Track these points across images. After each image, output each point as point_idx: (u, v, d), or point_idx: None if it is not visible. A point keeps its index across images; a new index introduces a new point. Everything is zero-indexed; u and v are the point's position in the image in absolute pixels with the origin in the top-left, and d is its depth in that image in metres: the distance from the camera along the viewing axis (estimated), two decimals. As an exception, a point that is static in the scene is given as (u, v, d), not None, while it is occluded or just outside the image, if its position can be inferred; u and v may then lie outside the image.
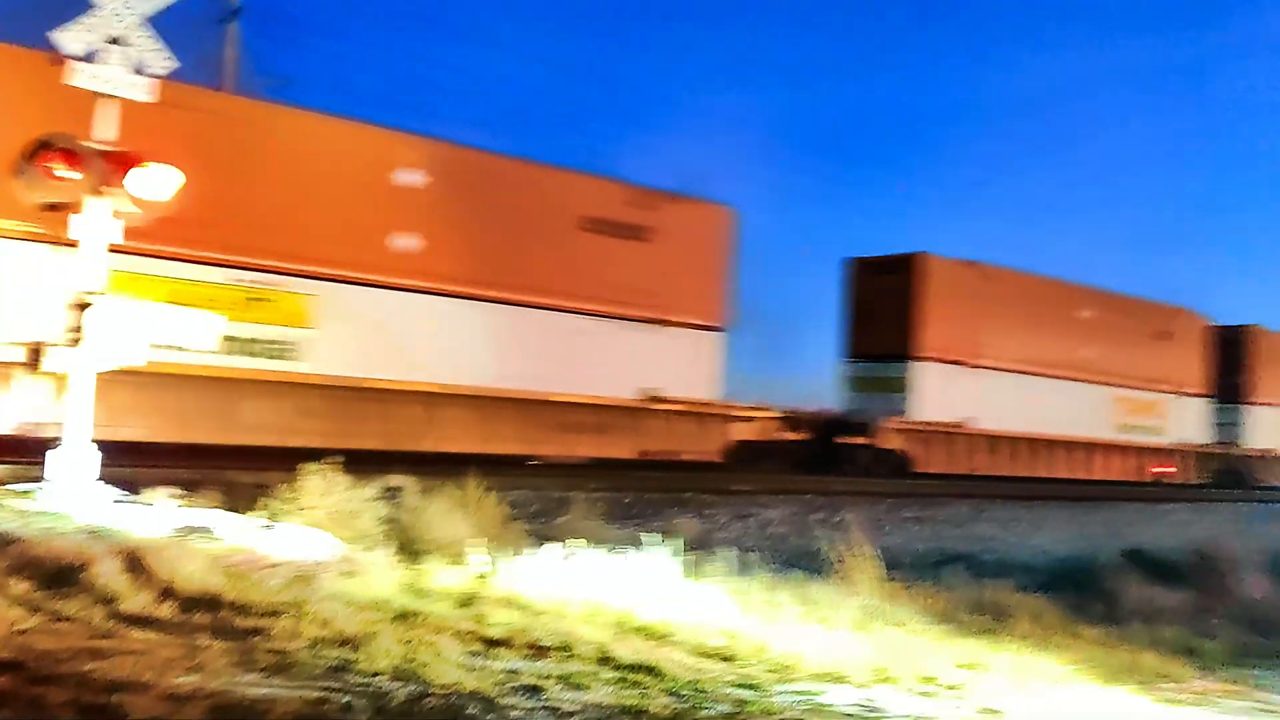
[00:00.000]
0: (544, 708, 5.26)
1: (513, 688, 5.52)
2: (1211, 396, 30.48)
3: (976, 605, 9.96)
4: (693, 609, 7.91)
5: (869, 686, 6.63)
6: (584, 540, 9.41)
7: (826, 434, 22.23)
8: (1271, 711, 7.27)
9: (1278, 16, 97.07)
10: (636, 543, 10.39)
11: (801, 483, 17.78)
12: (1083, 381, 26.29)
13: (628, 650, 6.50)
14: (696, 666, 6.49)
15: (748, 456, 20.28)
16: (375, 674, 5.43)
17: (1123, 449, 27.53)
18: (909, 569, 11.26)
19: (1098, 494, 20.98)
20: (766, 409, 21.12)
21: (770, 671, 6.65)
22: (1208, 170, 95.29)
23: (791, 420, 21.46)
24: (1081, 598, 11.47)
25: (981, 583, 10.79)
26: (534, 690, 5.52)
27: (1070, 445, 26.09)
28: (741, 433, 20.32)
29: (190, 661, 5.32)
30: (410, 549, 8.75)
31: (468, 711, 5.05)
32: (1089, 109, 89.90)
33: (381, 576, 7.47)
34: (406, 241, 16.63)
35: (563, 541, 9.28)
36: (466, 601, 7.26)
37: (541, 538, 10.14)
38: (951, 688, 6.89)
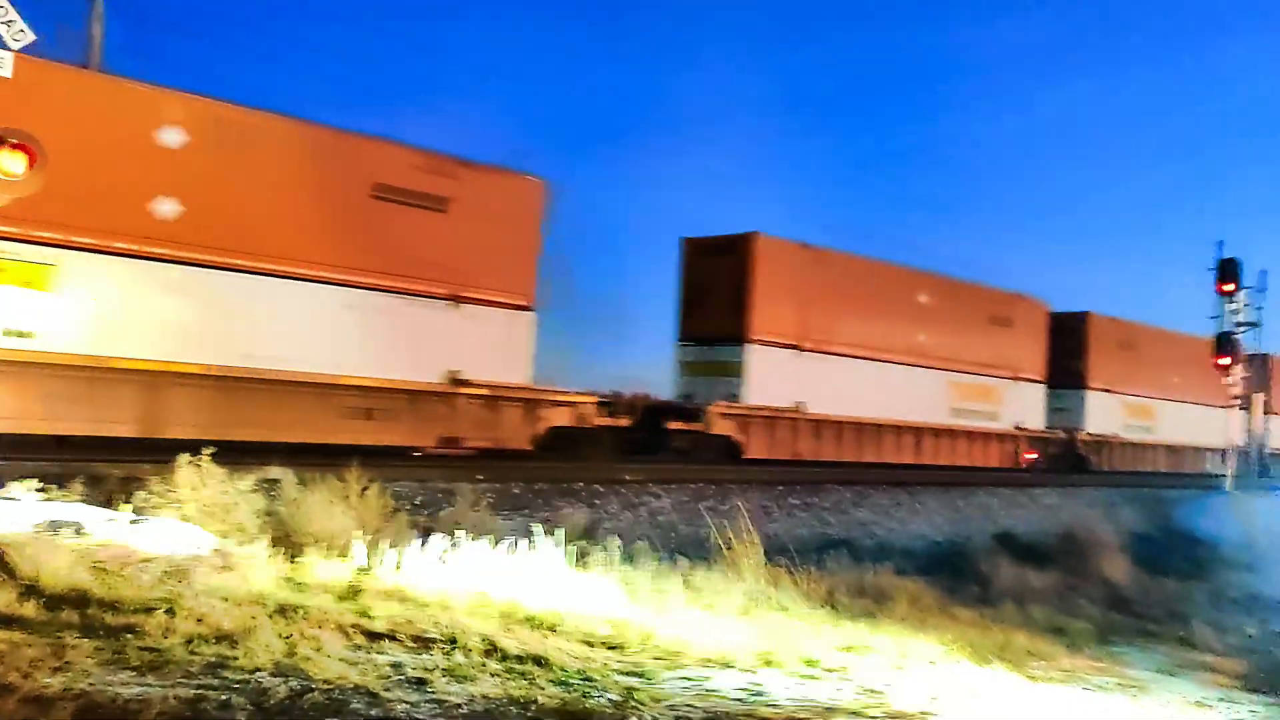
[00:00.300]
0: (430, 701, 5.18)
1: (398, 681, 5.43)
2: (1050, 382, 30.31)
3: (858, 589, 10.19)
4: (580, 599, 7.89)
5: (755, 671, 6.72)
6: (470, 532, 9.31)
7: (652, 419, 21.13)
8: (1135, 686, 7.60)
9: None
10: (524, 534, 10.36)
11: (692, 472, 17.87)
12: (918, 366, 25.95)
13: (515, 641, 6.45)
14: (585, 656, 6.47)
15: (564, 444, 19.19)
16: (255, 670, 5.28)
17: (957, 434, 27.18)
18: (794, 555, 11.44)
19: (973, 480, 21.56)
20: (584, 394, 19.98)
21: (658, 659, 6.68)
22: (1049, 160, 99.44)
23: (613, 405, 20.38)
24: (957, 580, 11.84)
25: (863, 567, 11.02)
26: (419, 683, 5.43)
27: (901, 430, 25.74)
28: (557, 419, 19.25)
29: (57, 661, 5.09)
30: (289, 543, 8.52)
31: (352, 706, 4.95)
32: (928, 94, 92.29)
33: (259, 571, 7.26)
34: (166, 207, 14.75)
35: (448, 533, 9.17)
36: (349, 595, 7.12)
37: (427, 530, 10.00)
38: (834, 670, 7.03)
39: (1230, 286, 22.51)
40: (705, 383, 22.80)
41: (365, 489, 10.54)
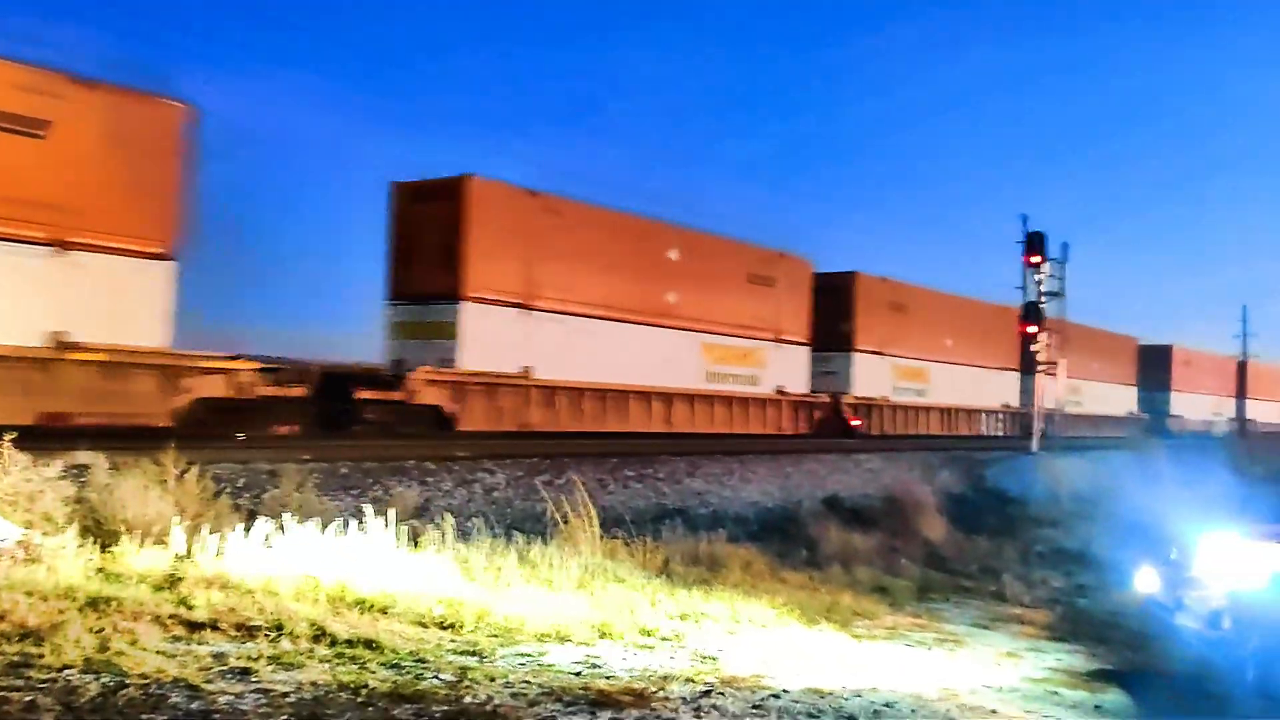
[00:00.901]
0: (255, 691, 4.99)
1: (220, 672, 5.20)
2: (816, 345, 28.59)
3: (693, 557, 10.33)
4: (414, 579, 7.74)
5: (591, 644, 6.74)
6: (297, 514, 9.01)
7: (338, 388, 18.32)
8: (952, 640, 7.98)
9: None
10: (354, 515, 10.11)
11: (527, 446, 17.79)
12: (667, 327, 23.78)
13: (344, 625, 6.28)
14: (417, 637, 6.36)
15: (219, 418, 16.47)
16: (63, 668, 4.97)
17: (713, 399, 25.20)
18: (630, 526, 11.53)
19: (802, 448, 22.13)
20: (241, 359, 16.99)
21: (493, 636, 6.62)
22: (815, 117, 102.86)
23: (279, 373, 17.43)
24: (787, 545, 12.16)
25: (697, 536, 11.17)
26: (243, 673, 5.23)
27: (650, 396, 23.50)
28: (206, 389, 16.47)
29: None
30: (102, 532, 8.05)
31: (170, 701, 4.72)
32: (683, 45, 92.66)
33: (68, 562, 6.84)
34: None
35: (273, 516, 8.86)
36: (167, 584, 6.78)
37: (250, 514, 9.64)
38: (669, 639, 7.12)
39: (1036, 258, 23.74)
40: (418, 346, 20.21)
41: (184, 473, 10.06)
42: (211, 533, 8.03)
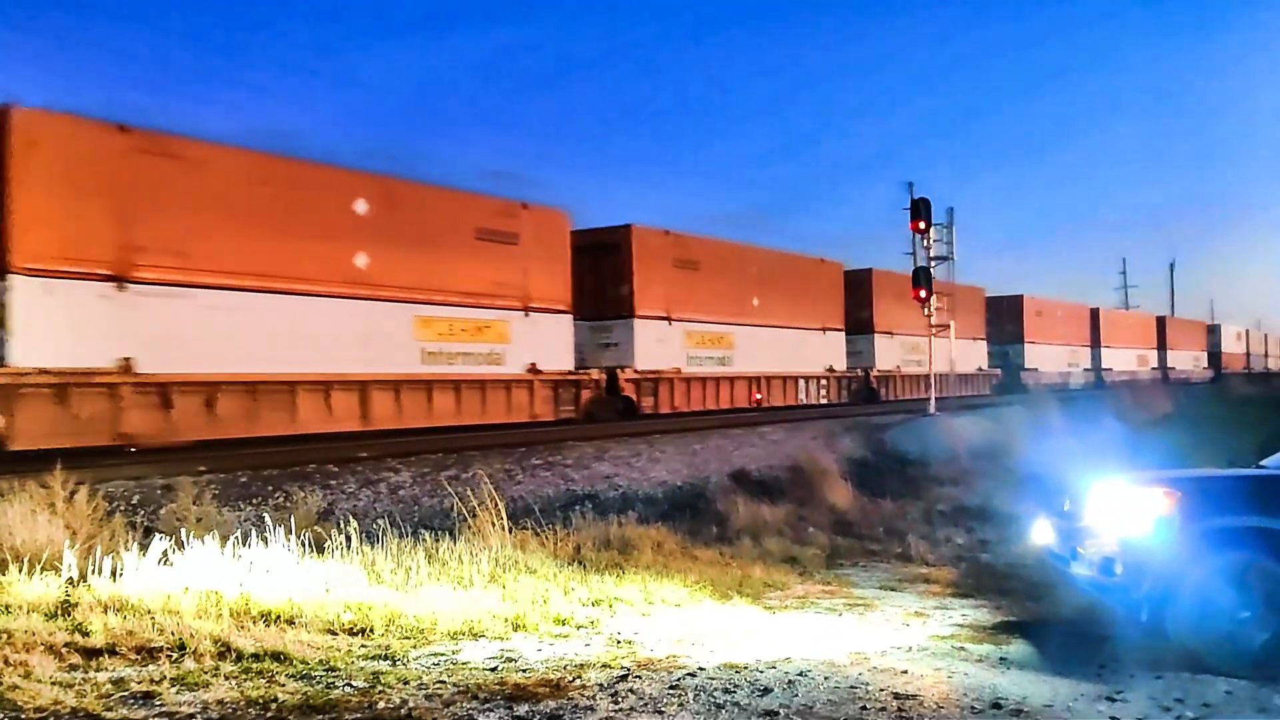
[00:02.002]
0: (159, 715, 4.85)
1: (121, 698, 5.04)
2: (585, 313, 24.97)
3: (604, 542, 10.33)
4: (320, 587, 7.60)
5: (506, 638, 6.70)
6: (194, 529, 8.77)
7: None
8: (862, 605, 8.12)
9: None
10: (254, 524, 9.88)
11: (429, 442, 17.60)
12: (355, 298, 19.17)
13: (249, 639, 6.14)
14: (327, 645, 6.25)
15: None
16: (-51, 709, 4.76)
17: (432, 384, 20.61)
18: (539, 515, 11.48)
19: (708, 424, 22.31)
20: None
21: (405, 639, 6.54)
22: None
23: None
24: (697, 522, 12.23)
25: (608, 520, 11.18)
26: (146, 698, 5.07)
27: (331, 386, 18.70)
28: None
29: None
30: (-14, 561, 7.73)
31: (68, 734, 4.56)
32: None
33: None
34: None
35: (171, 533, 8.61)
36: (60, 611, 6.54)
37: (147, 531, 9.37)
38: (583, 625, 7.12)
39: (923, 225, 24.27)
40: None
41: (73, 494, 9.72)
42: (106, 554, 7.78)
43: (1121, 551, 6.15)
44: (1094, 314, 58.65)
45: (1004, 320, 48.19)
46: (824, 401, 33.13)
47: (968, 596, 8.44)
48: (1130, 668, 5.96)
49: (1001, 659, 6.37)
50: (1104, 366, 56.32)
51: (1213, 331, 77.59)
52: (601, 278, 25.55)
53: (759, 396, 29.75)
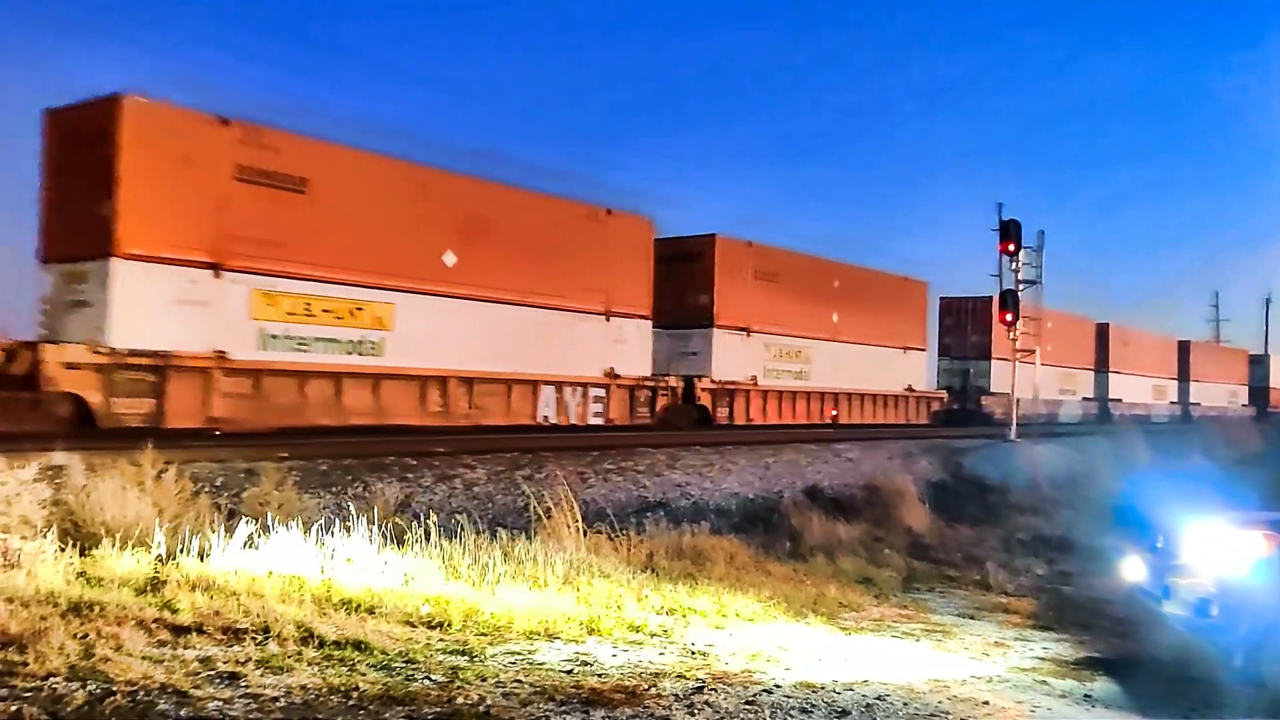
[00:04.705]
0: (244, 696, 4.92)
1: (207, 677, 5.13)
2: (665, 320, 24.68)
3: (677, 551, 10.30)
4: (399, 578, 7.70)
5: (581, 641, 6.71)
6: (278, 514, 8.94)
7: None
8: (939, 631, 7.98)
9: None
10: (335, 512, 10.04)
11: (506, 441, 17.72)
12: (441, 295, 19.64)
13: (331, 627, 6.22)
14: (406, 637, 6.30)
15: None
16: (48, 675, 4.89)
17: (518, 385, 21.06)
18: (612, 520, 11.50)
19: (782, 438, 22.14)
20: None
21: (482, 635, 6.57)
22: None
23: None
24: (770, 536, 12.14)
25: (680, 529, 11.15)
26: (232, 678, 5.16)
27: (420, 381, 19.30)
28: None
29: None
30: (81, 534, 7.95)
31: (159, 708, 4.65)
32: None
33: (48, 567, 6.74)
34: None
35: (255, 517, 8.78)
36: (150, 588, 6.69)
37: (231, 513, 9.54)
38: (657, 634, 7.10)
39: (1012, 247, 23.84)
40: None
41: (161, 473, 9.95)
42: (193, 534, 7.95)
43: (1218, 592, 5.96)
44: (1183, 347, 53.96)
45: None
46: (903, 421, 32.10)
47: (1048, 629, 8.26)
48: (1221, 712, 5.77)
49: (1086, 695, 6.22)
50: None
51: (1257, 362, 63.83)
52: (683, 286, 25.63)
53: (834, 412, 29.28)
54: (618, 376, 23.18)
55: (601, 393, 22.87)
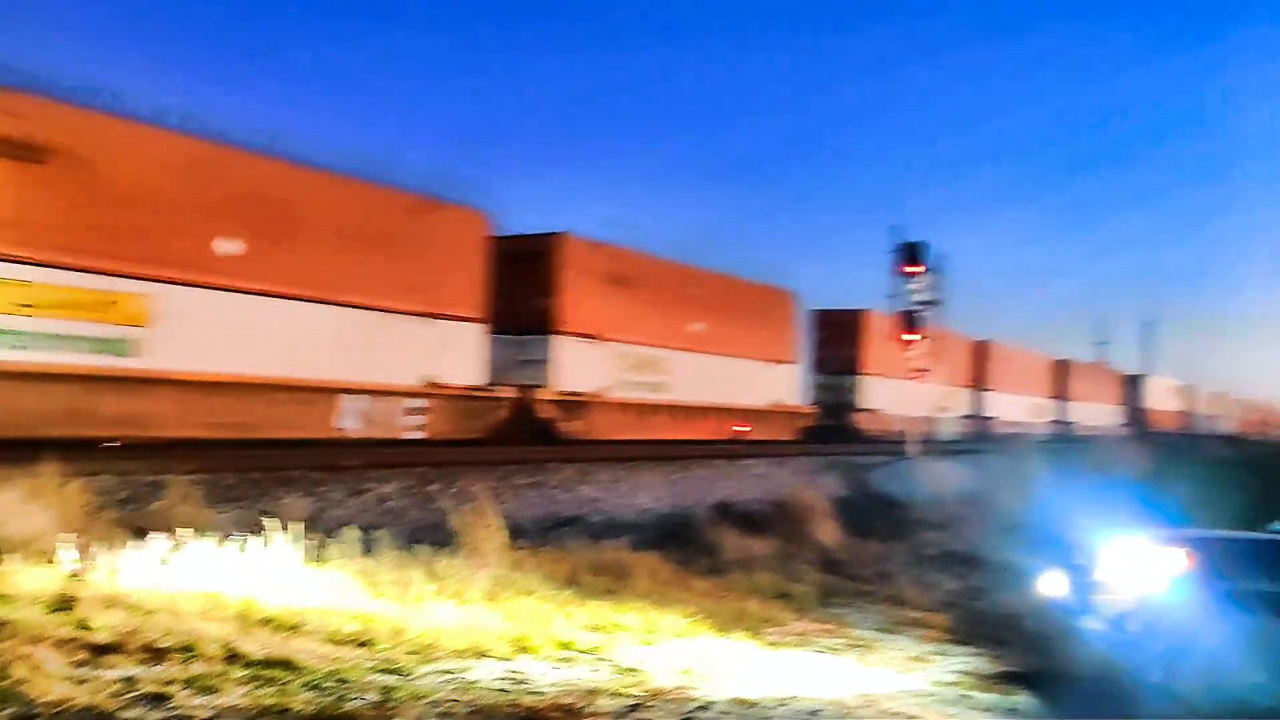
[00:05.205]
0: (173, 717, 4.75)
1: (133, 698, 4.95)
2: (506, 326, 22.39)
3: (598, 566, 10.27)
4: (319, 595, 7.52)
5: (511, 659, 6.63)
6: (188, 528, 8.67)
7: None
8: (861, 645, 8.11)
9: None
10: (246, 527, 9.78)
11: (416, 455, 17.46)
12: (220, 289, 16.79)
13: (256, 645, 6.04)
14: (333, 656, 6.15)
15: None
16: (-42, 700, 4.65)
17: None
18: (528, 535, 11.43)
19: (689, 453, 22.22)
20: None
21: (411, 653, 6.45)
22: None
23: None
24: (687, 552, 12.17)
25: (599, 544, 11.12)
26: (158, 699, 4.98)
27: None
28: None
29: None
30: (-19, 550, 7.58)
31: (82, 731, 4.46)
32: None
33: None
34: None
35: (164, 531, 8.49)
36: (62, 605, 6.41)
37: (137, 528, 9.20)
38: (588, 651, 7.06)
39: (914, 268, 24.37)
40: None
41: (64, 484, 9.59)
42: (99, 549, 7.66)
43: (1138, 608, 6.17)
44: (1060, 365, 53.16)
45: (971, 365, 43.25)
46: (769, 439, 29.73)
47: (965, 644, 8.44)
48: (1140, 724, 5.97)
49: (1010, 710, 6.37)
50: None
51: (1133, 382, 64.77)
52: (525, 289, 23.23)
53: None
54: (441, 386, 20.55)
55: (420, 404, 20.25)
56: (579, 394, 23.70)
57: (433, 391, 20.34)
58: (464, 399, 20.97)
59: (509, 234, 23.16)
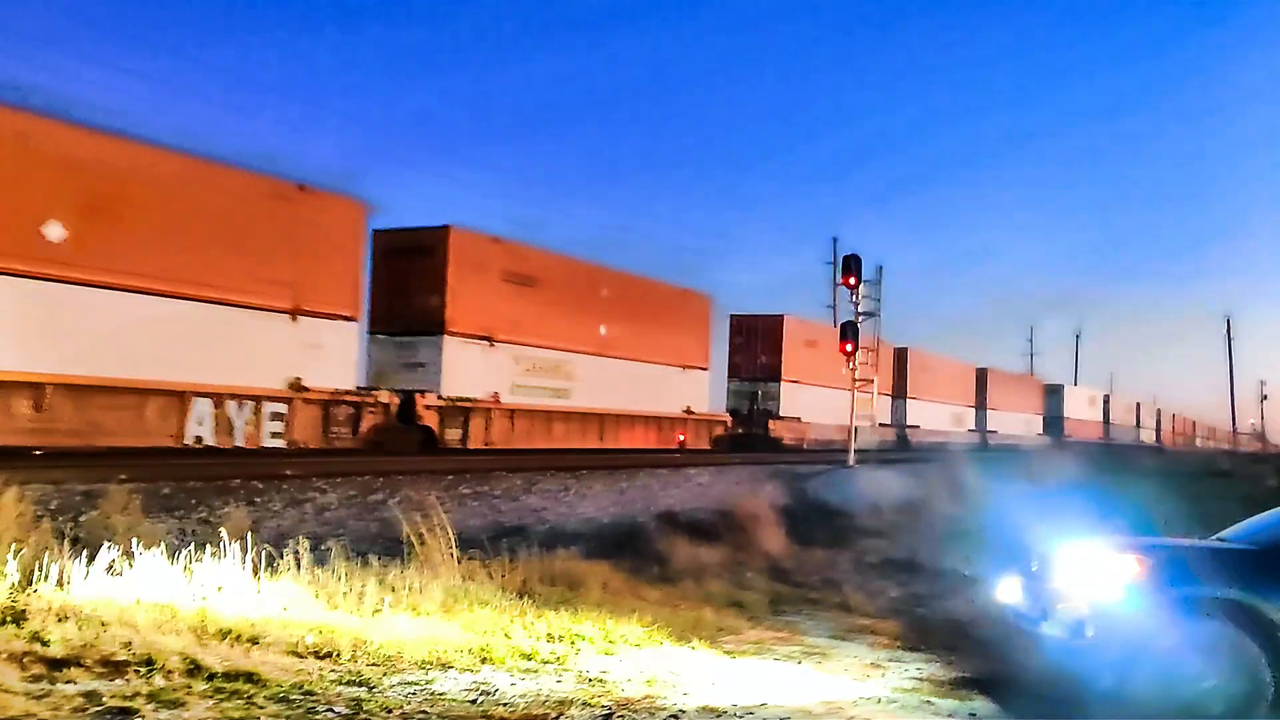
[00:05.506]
0: (141, 734, 4.63)
1: (97, 713, 4.81)
2: (388, 325, 21.89)
3: (549, 576, 10.22)
4: (273, 606, 7.39)
5: (475, 670, 6.58)
6: (123, 538, 8.46)
7: None
8: (817, 652, 8.17)
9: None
10: (183, 537, 9.62)
11: (359, 464, 17.25)
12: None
13: (216, 657, 5.91)
14: (296, 668, 6.05)
15: None
16: (-87, 718, 4.49)
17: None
18: (475, 545, 11.33)
19: (633, 462, 22.19)
20: None
21: (374, 665, 6.38)
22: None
23: None
24: (637, 560, 12.18)
25: (549, 553, 11.07)
26: (124, 713, 4.86)
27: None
28: None
29: None
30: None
31: (47, 749, 4.33)
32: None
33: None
34: None
35: (100, 541, 8.27)
36: (12, 618, 6.21)
37: (74, 539, 8.95)
38: (550, 661, 7.03)
39: (853, 280, 24.71)
40: None
41: (-1, 494, 9.29)
42: (46, 560, 7.44)
43: (1092, 615, 6.31)
44: (980, 374, 54.42)
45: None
46: (677, 449, 29.52)
47: (916, 650, 8.54)
48: (1095, 728, 6.10)
49: (971, 714, 6.48)
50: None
51: (1052, 392, 65.73)
52: (411, 286, 21.93)
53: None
54: (305, 389, 18.83)
55: (281, 408, 18.58)
56: (467, 399, 22.27)
57: (294, 395, 18.63)
58: (332, 404, 19.38)
59: (395, 228, 22.06)
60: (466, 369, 22.36)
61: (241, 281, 17.70)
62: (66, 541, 8.72)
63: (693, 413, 30.46)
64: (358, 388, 20.07)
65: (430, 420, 21.60)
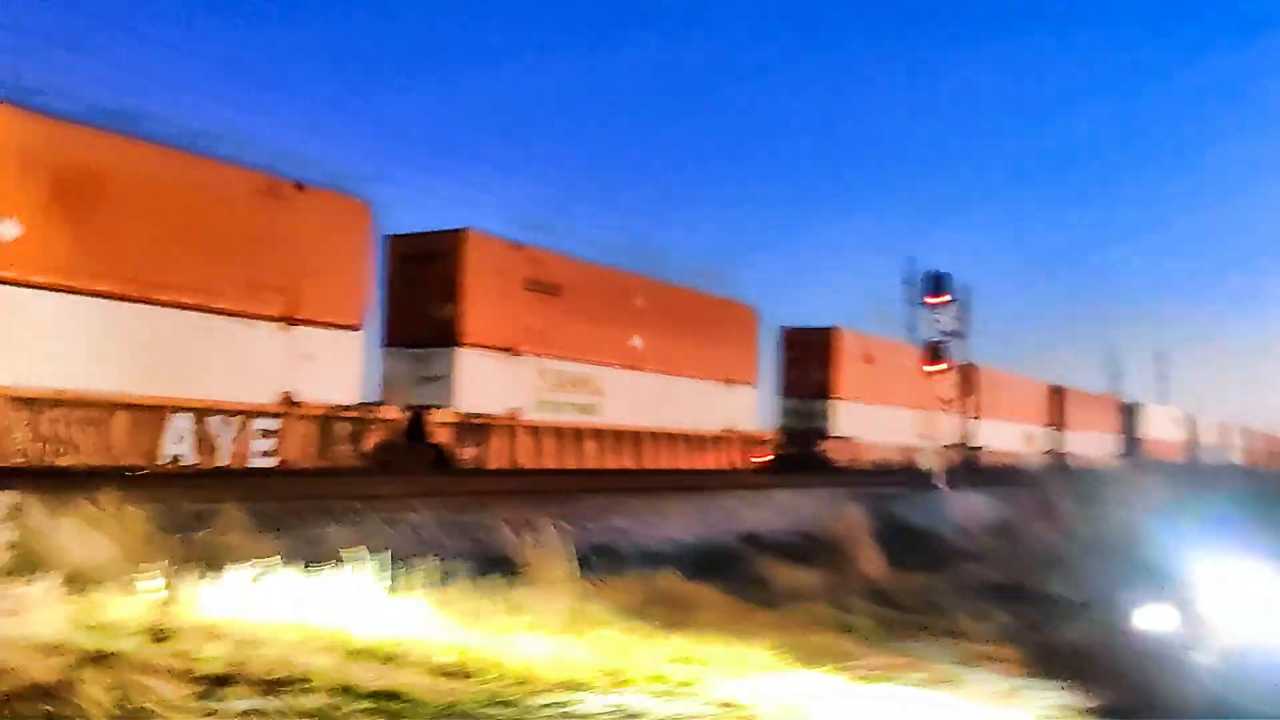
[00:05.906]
0: (314, 752, 4.63)
1: (266, 733, 4.82)
2: (398, 337, 20.80)
3: (655, 597, 10.15)
4: (404, 624, 7.40)
5: (612, 692, 6.51)
6: (247, 557, 8.56)
7: None
8: (949, 679, 8.00)
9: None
10: (297, 555, 9.70)
11: (445, 484, 17.33)
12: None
13: (364, 676, 5.92)
14: (441, 688, 6.04)
15: None
16: (92, 731, 4.52)
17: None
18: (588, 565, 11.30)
19: (714, 484, 22.03)
20: None
21: (516, 685, 6.34)
22: None
23: None
24: (734, 583, 12.05)
25: (655, 573, 11.01)
26: (293, 733, 4.86)
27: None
28: None
29: None
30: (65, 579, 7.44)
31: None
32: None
33: (46, 613, 6.27)
34: None
35: (223, 559, 8.38)
36: (161, 635, 6.28)
37: (199, 557, 9.08)
38: (684, 685, 6.94)
39: (939, 299, 24.37)
40: None
41: (120, 513, 9.46)
42: (183, 578, 7.54)
43: (1251, 641, 6.10)
44: (1056, 392, 52.52)
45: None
46: (719, 467, 27.93)
47: (1048, 678, 8.31)
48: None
49: (1125, 744, 6.29)
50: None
51: (1131, 411, 63.16)
52: (425, 294, 20.44)
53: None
54: (298, 404, 17.38)
55: (272, 425, 17.09)
56: (483, 415, 20.71)
57: (286, 410, 17.17)
58: (330, 420, 17.84)
59: (408, 232, 20.56)
60: (484, 383, 20.84)
61: (225, 286, 16.27)
62: (189, 559, 8.88)
63: (734, 430, 28.79)
64: (361, 402, 18.57)
65: (443, 437, 20.09)
